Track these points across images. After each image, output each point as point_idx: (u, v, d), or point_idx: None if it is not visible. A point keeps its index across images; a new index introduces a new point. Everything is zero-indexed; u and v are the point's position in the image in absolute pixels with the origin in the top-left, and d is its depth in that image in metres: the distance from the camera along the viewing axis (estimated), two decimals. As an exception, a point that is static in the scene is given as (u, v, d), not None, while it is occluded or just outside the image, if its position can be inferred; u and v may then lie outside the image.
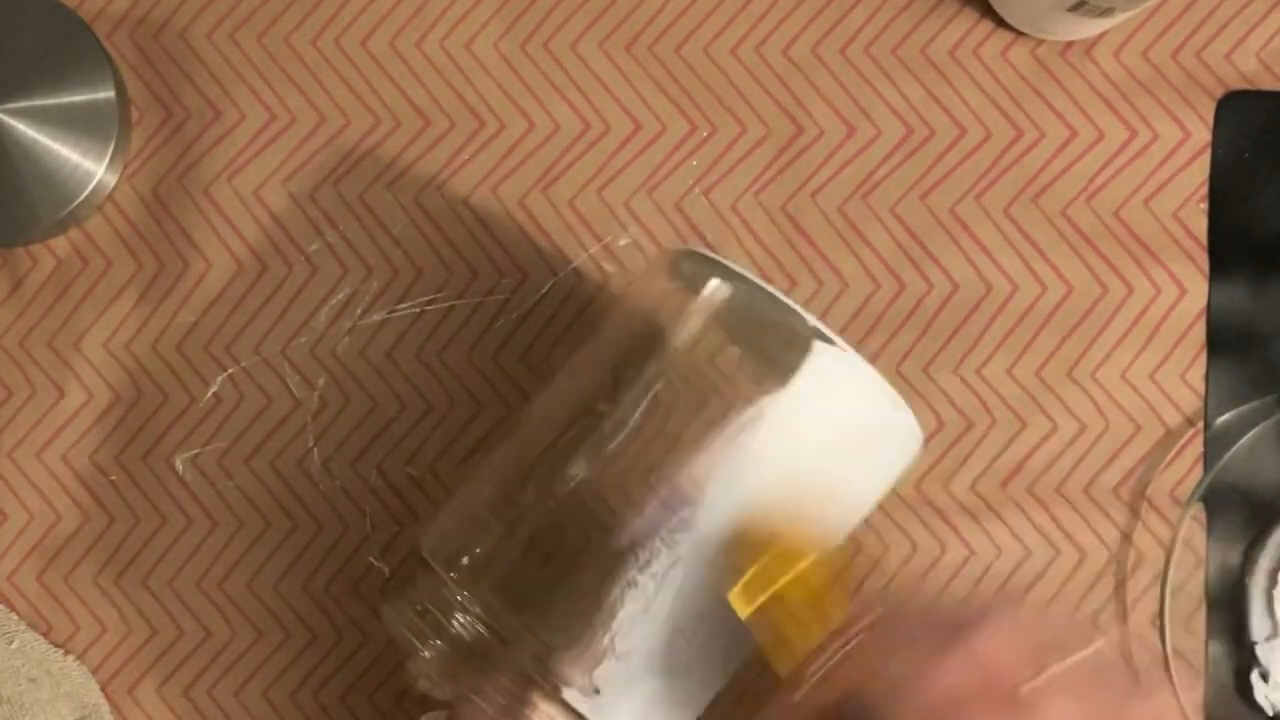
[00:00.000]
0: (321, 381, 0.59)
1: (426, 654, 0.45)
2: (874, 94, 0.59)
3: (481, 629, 0.45)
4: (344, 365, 0.59)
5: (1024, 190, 0.58)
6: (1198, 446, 0.57)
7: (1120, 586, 0.57)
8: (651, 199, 0.59)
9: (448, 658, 0.45)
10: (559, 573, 0.45)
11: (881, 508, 0.57)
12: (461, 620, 0.45)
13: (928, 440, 0.57)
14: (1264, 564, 0.57)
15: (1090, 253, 0.58)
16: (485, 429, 0.58)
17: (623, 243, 0.59)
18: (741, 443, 0.44)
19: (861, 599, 0.40)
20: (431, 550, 0.47)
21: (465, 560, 0.46)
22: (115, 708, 0.58)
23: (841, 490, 0.47)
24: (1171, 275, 0.58)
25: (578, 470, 0.45)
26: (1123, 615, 0.57)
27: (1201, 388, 0.58)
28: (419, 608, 0.46)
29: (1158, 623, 0.57)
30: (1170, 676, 0.56)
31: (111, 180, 0.58)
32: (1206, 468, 0.57)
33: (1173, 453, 0.57)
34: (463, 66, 0.59)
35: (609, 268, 0.59)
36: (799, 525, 0.43)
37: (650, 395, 0.45)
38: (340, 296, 0.59)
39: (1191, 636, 0.57)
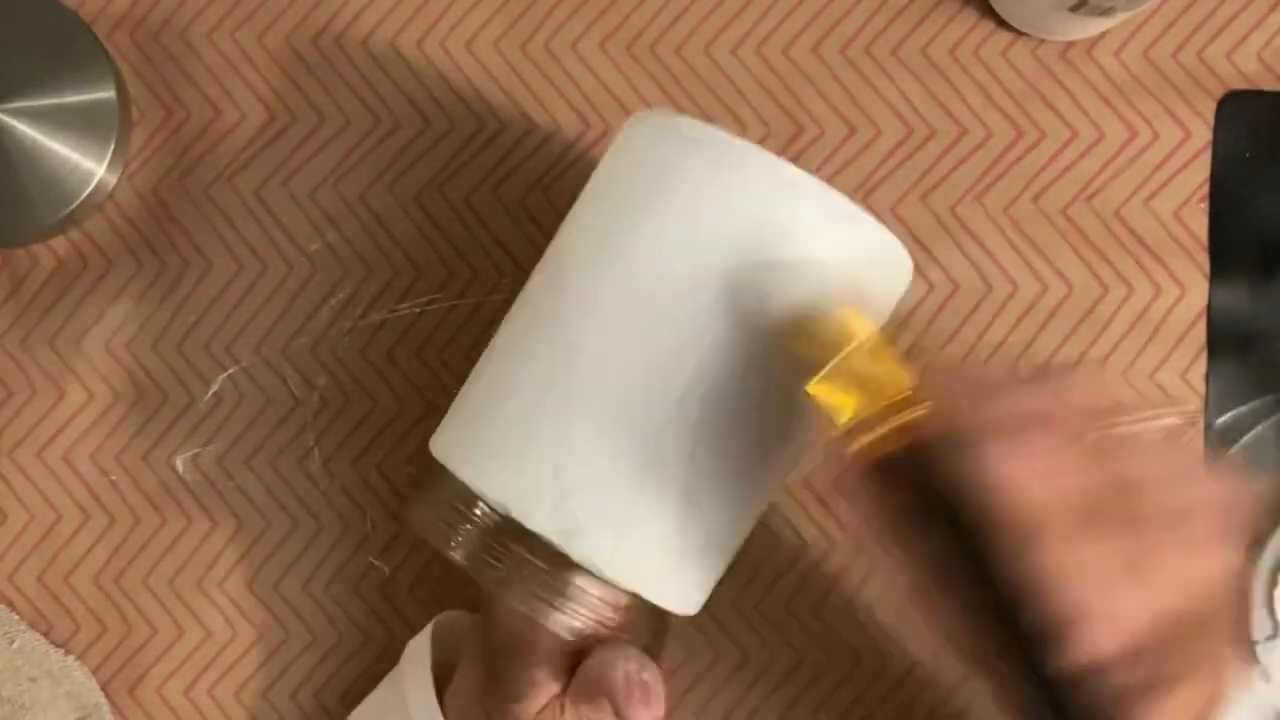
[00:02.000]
0: (321, 381, 0.59)
1: (456, 547, 0.45)
2: (874, 94, 0.59)
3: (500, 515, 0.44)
4: (344, 365, 0.59)
5: (1024, 190, 0.58)
6: (1197, 447, 0.57)
7: (1120, 586, 0.57)
8: (651, 199, 0.59)
9: (478, 544, 0.45)
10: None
11: (881, 508, 0.57)
12: (483, 509, 0.45)
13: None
14: (1264, 564, 0.57)
15: (1090, 253, 0.58)
16: (485, 429, 0.58)
17: (623, 243, 0.58)
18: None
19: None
20: (444, 453, 0.47)
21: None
22: (115, 708, 0.58)
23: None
24: (1171, 275, 0.58)
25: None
26: (1123, 615, 0.57)
27: (1201, 388, 0.58)
28: (443, 505, 0.46)
29: (1158, 623, 0.57)
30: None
31: (111, 180, 0.58)
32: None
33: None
34: (463, 66, 0.59)
35: (609, 268, 0.59)
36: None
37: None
38: (340, 296, 0.59)
39: (1191, 636, 0.57)
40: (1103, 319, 0.58)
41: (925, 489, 0.34)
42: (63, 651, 0.58)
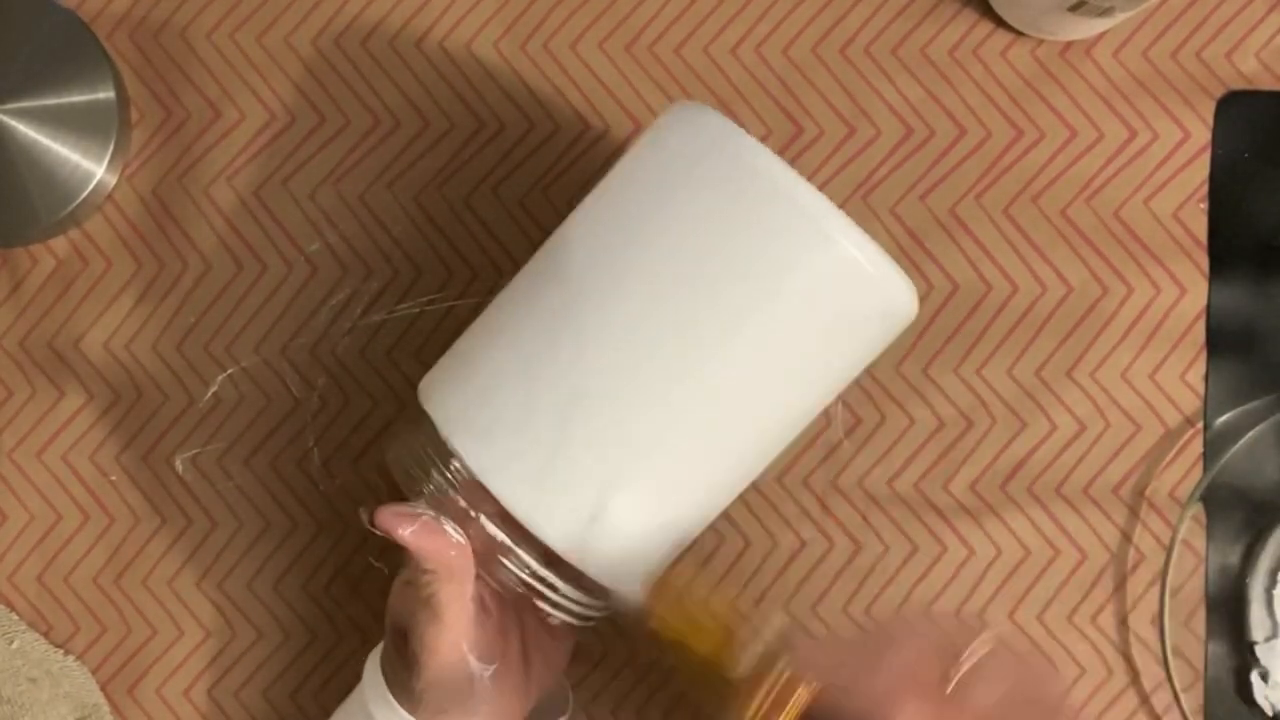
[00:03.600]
0: (321, 381, 0.59)
1: (422, 495, 0.46)
2: (874, 94, 0.59)
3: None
4: (344, 365, 0.59)
5: (1024, 190, 0.58)
6: (1198, 446, 0.57)
7: (1120, 586, 0.57)
8: (651, 199, 0.59)
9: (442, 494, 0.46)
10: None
11: (881, 508, 0.57)
12: (456, 467, 0.46)
13: (927, 440, 0.58)
14: (1264, 564, 0.57)
15: (1090, 253, 0.58)
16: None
17: (623, 243, 0.59)
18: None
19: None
20: (431, 404, 0.47)
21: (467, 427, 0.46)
22: (115, 708, 0.58)
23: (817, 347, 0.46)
24: (1171, 275, 0.58)
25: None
26: (1123, 615, 0.57)
27: (1201, 388, 0.58)
28: (420, 452, 0.47)
29: (1158, 623, 0.57)
30: (1170, 676, 0.56)
31: (111, 180, 0.58)
32: (1206, 468, 0.57)
33: (1173, 453, 0.57)
34: (463, 66, 0.59)
35: (609, 268, 0.59)
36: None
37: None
38: (340, 296, 0.59)
39: (1191, 636, 0.57)
40: (1103, 319, 0.58)
41: None
42: (62, 652, 0.58)
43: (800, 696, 0.40)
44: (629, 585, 0.47)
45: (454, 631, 0.46)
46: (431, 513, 0.45)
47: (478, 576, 0.46)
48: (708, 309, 0.44)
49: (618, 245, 0.45)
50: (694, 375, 0.44)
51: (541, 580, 0.46)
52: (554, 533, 0.44)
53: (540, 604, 0.46)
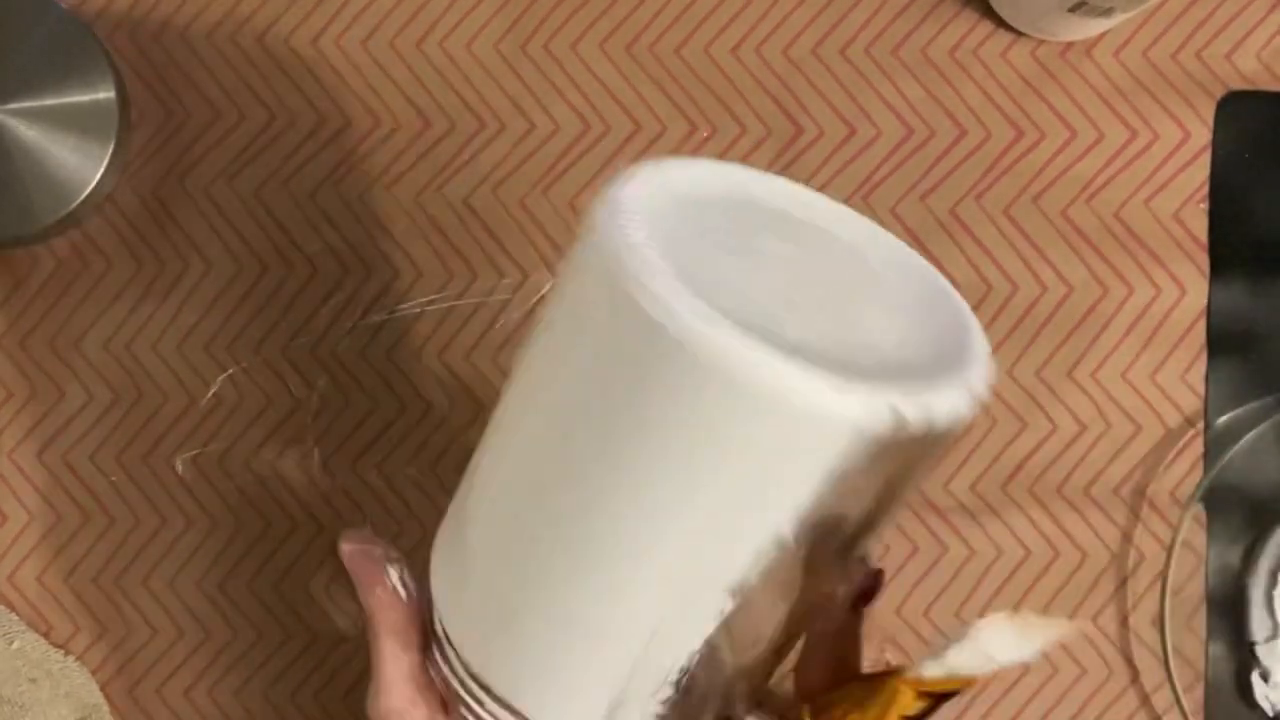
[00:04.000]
0: (321, 381, 0.59)
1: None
2: (874, 94, 0.59)
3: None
4: (344, 365, 0.59)
5: (1024, 190, 0.58)
6: (1198, 447, 0.57)
7: (1120, 586, 0.57)
8: (651, 199, 0.59)
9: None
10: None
11: (881, 508, 0.57)
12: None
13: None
14: (1264, 564, 0.57)
15: (1090, 253, 0.58)
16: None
17: (623, 243, 0.58)
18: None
19: None
20: (433, 570, 0.42)
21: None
22: (115, 708, 0.58)
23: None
24: (1171, 275, 0.58)
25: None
26: (1123, 615, 0.57)
27: (1201, 388, 0.58)
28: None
29: (1158, 623, 0.57)
30: (1171, 677, 0.56)
31: (111, 180, 0.58)
32: (1206, 468, 0.57)
33: (1173, 453, 0.57)
34: (463, 67, 0.59)
35: (609, 268, 0.58)
36: None
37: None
38: (340, 296, 0.59)
39: (1191, 636, 0.57)
40: (1103, 319, 0.58)
41: None
42: (62, 652, 0.58)
43: None
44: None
45: (389, 696, 0.42)
46: (388, 551, 0.42)
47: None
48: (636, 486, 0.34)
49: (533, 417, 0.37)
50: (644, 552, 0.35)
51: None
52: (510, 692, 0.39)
53: None
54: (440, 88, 0.59)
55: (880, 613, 0.57)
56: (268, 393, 0.59)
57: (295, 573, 0.58)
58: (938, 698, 0.36)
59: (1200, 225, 0.58)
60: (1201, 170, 0.58)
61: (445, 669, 0.41)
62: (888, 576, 0.57)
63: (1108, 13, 0.54)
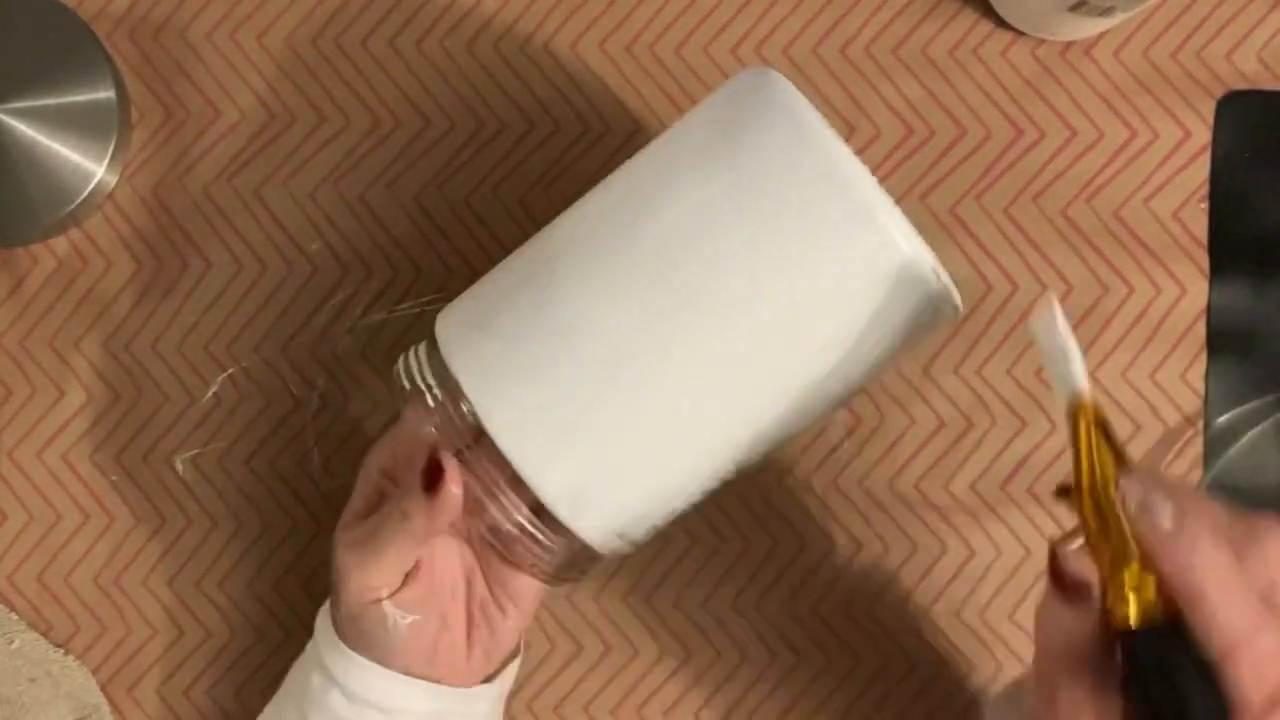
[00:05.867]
0: (321, 381, 0.59)
1: (426, 414, 0.46)
2: (874, 94, 0.59)
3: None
4: (344, 365, 0.59)
5: (1024, 190, 0.58)
6: (1198, 446, 0.57)
7: (1120, 586, 0.57)
8: (651, 199, 0.59)
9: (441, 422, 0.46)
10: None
11: (882, 508, 0.57)
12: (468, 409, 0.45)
13: (927, 440, 0.57)
14: (1264, 564, 0.57)
15: (1090, 253, 0.58)
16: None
17: (623, 243, 0.58)
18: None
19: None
20: (447, 342, 0.47)
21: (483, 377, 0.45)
22: (115, 708, 0.58)
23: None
24: (1171, 275, 0.58)
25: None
26: (1123, 615, 0.57)
27: (1201, 388, 0.58)
28: (427, 378, 0.46)
29: (1158, 623, 0.57)
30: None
31: (111, 180, 0.58)
32: (1206, 468, 0.57)
33: (1173, 453, 0.57)
34: (463, 66, 0.59)
35: (609, 268, 0.58)
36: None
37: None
38: (340, 296, 0.59)
39: (1191, 636, 0.57)
40: (1103, 319, 0.58)
41: (1164, 652, 0.37)
42: (62, 652, 0.58)
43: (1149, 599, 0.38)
44: (614, 546, 0.47)
45: (377, 577, 0.47)
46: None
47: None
48: (748, 276, 0.43)
49: (660, 197, 0.44)
50: (722, 339, 0.43)
51: (525, 529, 0.46)
52: (551, 488, 0.44)
53: (521, 550, 0.46)
54: (440, 87, 0.59)
55: (881, 612, 0.57)
56: (268, 393, 0.59)
57: (295, 573, 0.58)
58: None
59: (1200, 225, 0.58)
60: (1201, 170, 0.58)
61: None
62: (888, 576, 0.57)
63: (1108, 12, 0.54)
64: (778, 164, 0.43)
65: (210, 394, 0.59)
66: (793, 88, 0.45)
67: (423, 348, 0.48)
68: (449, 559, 0.50)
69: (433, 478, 0.45)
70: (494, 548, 0.48)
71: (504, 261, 0.49)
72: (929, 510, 0.57)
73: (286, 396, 0.59)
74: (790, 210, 0.43)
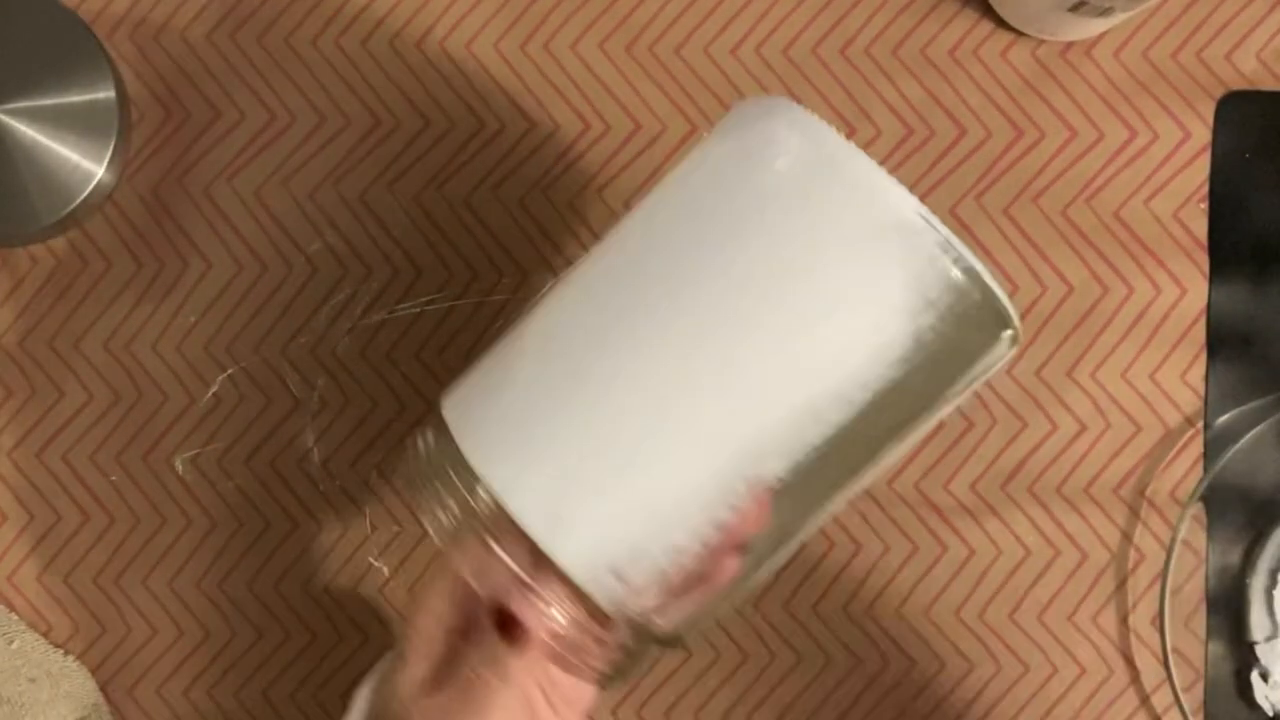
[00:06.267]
0: (321, 381, 0.59)
1: (440, 520, 0.42)
2: (874, 94, 0.59)
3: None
4: (344, 365, 0.59)
5: (1024, 190, 0.58)
6: (1198, 446, 0.57)
7: (1120, 586, 0.57)
8: (651, 199, 0.59)
9: (462, 526, 0.42)
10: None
11: (882, 508, 0.57)
12: (484, 494, 0.41)
13: (928, 440, 0.58)
14: (1264, 564, 0.57)
15: (1090, 253, 0.58)
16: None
17: (623, 243, 0.58)
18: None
19: None
20: (459, 428, 0.42)
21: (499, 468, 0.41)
22: (115, 708, 0.58)
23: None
24: (1171, 275, 0.58)
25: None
26: (1123, 615, 0.57)
27: (1201, 388, 0.58)
28: (442, 475, 0.43)
29: (1158, 623, 0.57)
30: (1171, 676, 0.56)
31: (111, 180, 0.58)
32: (1206, 468, 0.57)
33: (1173, 453, 0.57)
34: (463, 66, 0.59)
35: (609, 268, 0.58)
36: None
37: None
38: (340, 296, 0.59)
39: (1191, 636, 0.57)
40: (1103, 319, 0.58)
41: None
42: (62, 651, 0.58)
43: None
44: (607, 585, 0.42)
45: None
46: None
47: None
48: (783, 336, 0.39)
49: (685, 253, 0.41)
50: (754, 413, 0.39)
51: (580, 627, 0.42)
52: (586, 576, 0.40)
53: (574, 655, 0.43)
54: (440, 87, 0.59)
55: (881, 612, 0.57)
56: (268, 393, 0.59)
57: (295, 573, 0.58)
58: None
59: (1200, 225, 0.58)
60: (1201, 170, 0.58)
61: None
62: (888, 577, 0.57)
63: (1108, 13, 0.54)
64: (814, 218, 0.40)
65: (210, 394, 0.59)
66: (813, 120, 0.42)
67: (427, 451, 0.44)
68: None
69: (510, 627, 0.42)
70: (555, 657, 0.43)
71: (509, 354, 0.45)
72: (929, 510, 0.57)
73: (286, 396, 0.59)
74: (838, 261, 0.40)
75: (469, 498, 0.42)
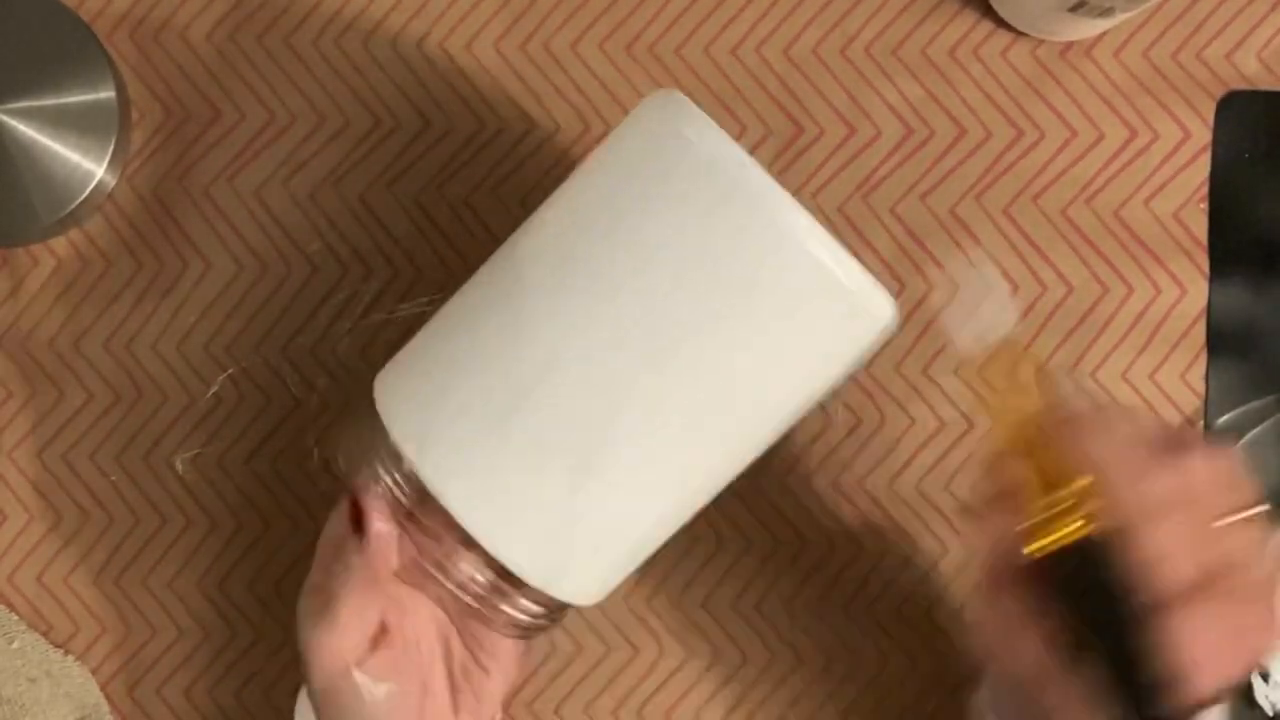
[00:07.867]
0: (321, 381, 0.59)
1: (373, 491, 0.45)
2: (874, 94, 0.59)
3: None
4: (344, 365, 0.59)
5: (1024, 190, 0.58)
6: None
7: (1120, 586, 0.57)
8: (651, 199, 0.59)
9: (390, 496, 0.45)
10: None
11: (882, 508, 0.57)
12: (408, 469, 0.45)
13: (928, 441, 0.57)
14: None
15: (1090, 253, 0.58)
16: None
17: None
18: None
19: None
20: (386, 407, 0.46)
21: (430, 448, 0.44)
22: (115, 708, 0.58)
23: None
24: (1171, 275, 0.58)
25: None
26: (1123, 615, 0.57)
27: (1201, 388, 0.58)
28: (371, 451, 0.46)
29: (1158, 623, 0.57)
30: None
31: (111, 180, 0.58)
32: (1206, 468, 0.57)
33: (1173, 453, 0.57)
34: (463, 66, 0.59)
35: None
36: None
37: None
38: (340, 296, 0.59)
39: (1191, 636, 0.57)
40: (1103, 319, 0.58)
41: (1077, 569, 0.39)
42: (62, 652, 0.58)
43: (1081, 528, 0.39)
44: (586, 600, 0.46)
45: (337, 639, 0.45)
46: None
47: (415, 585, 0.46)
48: (675, 316, 0.42)
49: (581, 247, 0.44)
50: (662, 387, 0.42)
51: (493, 589, 0.45)
52: (516, 554, 0.43)
53: (490, 613, 0.45)
54: (440, 87, 0.59)
55: (882, 613, 0.57)
56: (268, 393, 0.59)
57: (295, 573, 0.58)
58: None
59: (1200, 225, 0.58)
60: (1201, 170, 0.58)
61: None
62: (888, 577, 0.57)
63: (1108, 13, 0.54)
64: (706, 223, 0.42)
65: (210, 394, 0.59)
66: (697, 115, 0.43)
67: (363, 420, 0.47)
68: (421, 622, 0.47)
69: (359, 519, 0.45)
70: (467, 607, 0.46)
71: (435, 321, 0.48)
72: (929, 510, 0.57)
73: (286, 396, 0.59)
74: (714, 243, 0.42)
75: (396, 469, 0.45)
